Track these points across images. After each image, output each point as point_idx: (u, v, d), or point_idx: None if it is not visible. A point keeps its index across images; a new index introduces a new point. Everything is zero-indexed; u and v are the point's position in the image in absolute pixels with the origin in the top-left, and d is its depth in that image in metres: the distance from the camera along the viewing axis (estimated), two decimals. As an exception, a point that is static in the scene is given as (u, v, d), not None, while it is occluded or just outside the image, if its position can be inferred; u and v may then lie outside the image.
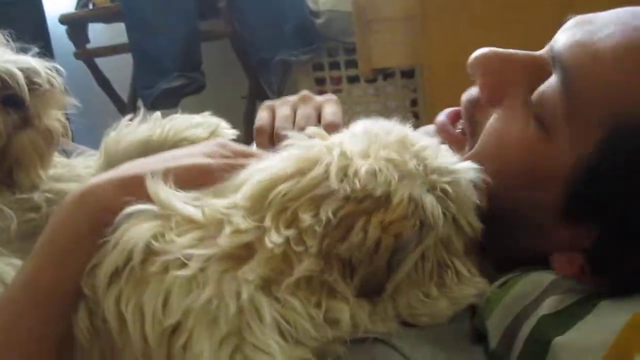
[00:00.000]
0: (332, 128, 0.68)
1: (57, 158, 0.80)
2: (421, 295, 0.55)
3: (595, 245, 0.59)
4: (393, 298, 0.54)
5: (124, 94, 2.63)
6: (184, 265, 0.51)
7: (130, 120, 0.79)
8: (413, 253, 0.54)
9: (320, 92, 2.62)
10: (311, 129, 0.60)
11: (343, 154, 0.54)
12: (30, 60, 0.72)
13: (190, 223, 0.54)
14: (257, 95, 2.45)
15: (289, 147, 0.58)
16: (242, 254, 0.51)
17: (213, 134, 0.80)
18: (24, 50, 0.74)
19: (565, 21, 0.64)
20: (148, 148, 0.77)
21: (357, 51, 1.89)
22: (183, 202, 0.55)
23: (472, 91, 0.68)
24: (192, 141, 0.76)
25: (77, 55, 2.48)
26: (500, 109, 0.64)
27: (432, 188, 0.55)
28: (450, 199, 0.56)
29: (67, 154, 0.85)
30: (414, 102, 2.34)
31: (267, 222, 0.52)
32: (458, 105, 0.71)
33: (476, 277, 0.58)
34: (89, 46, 2.52)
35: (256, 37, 2.33)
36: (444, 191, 0.56)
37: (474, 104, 0.68)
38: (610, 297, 0.57)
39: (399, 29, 1.84)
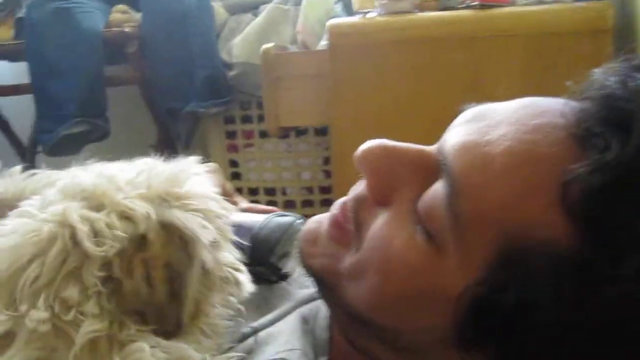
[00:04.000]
0: None
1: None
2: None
3: None
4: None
5: (25, 138, 2.50)
6: None
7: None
8: (190, 272, 0.51)
9: (231, 146, 2.56)
10: (17, 211, 0.54)
11: (83, 217, 0.51)
12: None
13: None
14: (166, 144, 2.36)
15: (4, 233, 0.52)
16: (3, 342, 0.46)
17: None
18: None
19: (460, 111, 0.57)
20: (1, 205, 0.71)
21: (264, 108, 1.83)
22: None
23: (359, 188, 0.61)
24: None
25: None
26: (388, 212, 0.56)
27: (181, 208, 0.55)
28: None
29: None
30: (326, 160, 2.31)
31: (23, 308, 0.47)
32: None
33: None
34: (-11, 85, 2.39)
35: (165, 86, 2.25)
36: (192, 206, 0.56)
37: (360, 202, 0.59)
38: None
39: (309, 87, 1.81)
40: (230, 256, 0.60)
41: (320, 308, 0.69)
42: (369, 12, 1.77)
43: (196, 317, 0.53)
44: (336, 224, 0.61)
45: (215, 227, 0.57)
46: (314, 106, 1.81)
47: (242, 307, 0.60)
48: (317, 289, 0.64)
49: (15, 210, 0.54)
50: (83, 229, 0.49)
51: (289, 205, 2.32)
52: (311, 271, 0.62)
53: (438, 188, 0.53)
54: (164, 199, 0.54)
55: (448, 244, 0.51)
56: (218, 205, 0.59)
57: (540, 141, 0.50)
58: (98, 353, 0.46)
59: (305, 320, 0.67)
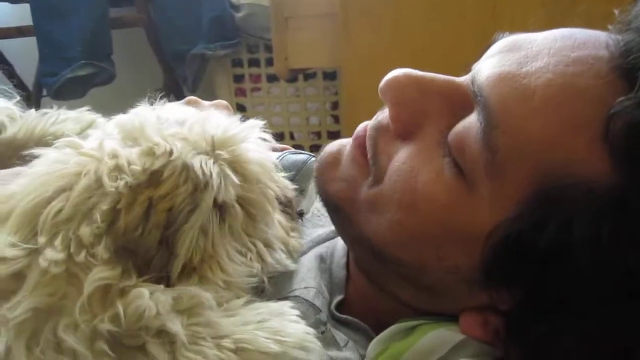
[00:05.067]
0: None
1: None
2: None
3: (515, 311, 0.50)
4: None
5: (30, 81, 2.46)
6: None
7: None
8: (187, 224, 0.48)
9: (239, 90, 2.52)
10: (63, 140, 0.51)
11: (111, 153, 0.48)
12: None
13: None
14: (172, 88, 2.33)
15: (35, 164, 0.50)
16: (9, 287, 0.43)
17: (86, 128, 0.74)
18: None
19: (493, 41, 0.54)
20: (13, 147, 0.70)
21: (273, 50, 1.79)
22: None
23: (380, 117, 0.58)
24: (58, 136, 0.68)
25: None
26: (412, 145, 0.54)
27: (214, 157, 0.51)
28: (236, 161, 0.52)
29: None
30: (335, 105, 2.28)
31: (41, 241, 0.44)
32: (378, 110, 0.61)
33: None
34: (-10, 27, 2.35)
35: (171, 28, 2.21)
36: (226, 159, 0.51)
37: (381, 132, 0.57)
38: None
39: (319, 28, 1.76)
40: (267, 231, 0.56)
41: (337, 246, 0.68)
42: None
43: (204, 273, 0.50)
44: (360, 146, 0.58)
45: (255, 192, 0.53)
46: (324, 47, 1.76)
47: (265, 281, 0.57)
48: (333, 219, 0.62)
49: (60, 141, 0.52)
50: (108, 163, 0.47)
51: (297, 151, 2.29)
52: (328, 197, 0.60)
53: (472, 120, 0.50)
54: (204, 148, 0.51)
55: (479, 179, 0.49)
56: (267, 175, 0.55)
57: (582, 74, 0.47)
58: (105, 303, 0.44)
59: (322, 259, 0.66)
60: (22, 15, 2.34)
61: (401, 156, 0.54)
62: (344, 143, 0.61)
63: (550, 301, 0.48)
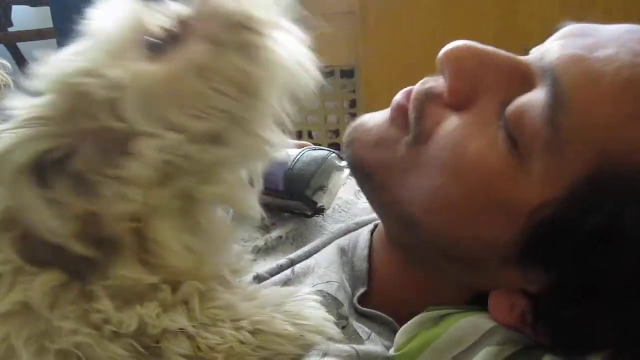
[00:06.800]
0: None
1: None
2: None
3: (547, 293, 0.50)
4: None
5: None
6: None
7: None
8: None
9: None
10: None
11: None
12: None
13: None
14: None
15: None
16: None
17: None
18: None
19: (558, 28, 0.55)
20: None
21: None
22: None
23: (433, 83, 0.58)
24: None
25: (-2, 39, 2.32)
26: (466, 114, 0.54)
27: None
28: None
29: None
30: (353, 103, 2.27)
31: None
32: None
33: None
34: (11, 29, 2.37)
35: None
36: None
37: (431, 98, 0.57)
38: (552, 352, 0.50)
39: (337, 26, 1.77)
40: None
41: (359, 239, 0.68)
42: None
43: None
44: (400, 108, 0.58)
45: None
46: (343, 46, 1.77)
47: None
48: (364, 187, 0.62)
49: None
50: None
51: (315, 149, 2.30)
52: (361, 165, 0.60)
53: (537, 97, 0.50)
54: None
55: (535, 154, 0.49)
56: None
57: None
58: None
59: (343, 252, 0.66)
60: (42, 18, 2.37)
61: (452, 123, 0.54)
62: (376, 114, 0.61)
63: (587, 285, 0.49)
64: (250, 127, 0.46)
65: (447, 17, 1.60)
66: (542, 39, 0.57)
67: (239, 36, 0.46)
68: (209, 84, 0.44)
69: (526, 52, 0.57)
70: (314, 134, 2.36)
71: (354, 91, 2.24)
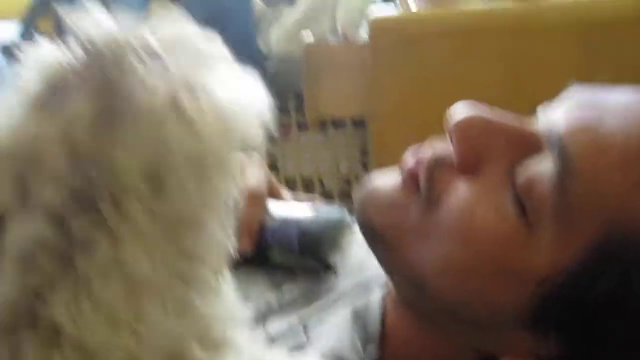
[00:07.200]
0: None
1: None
2: None
3: (561, 357, 0.51)
4: None
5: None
6: None
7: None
8: None
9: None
10: None
11: None
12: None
13: None
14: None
15: None
16: None
17: None
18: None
19: (566, 89, 0.56)
20: None
21: (304, 99, 1.83)
22: None
23: (440, 148, 0.58)
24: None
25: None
26: (474, 179, 0.54)
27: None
28: None
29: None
30: (364, 152, 2.29)
31: None
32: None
33: None
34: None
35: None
36: None
37: (441, 164, 0.57)
38: None
39: (349, 78, 1.79)
40: None
41: (370, 299, 0.68)
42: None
43: None
44: (412, 175, 0.58)
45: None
46: (354, 97, 1.79)
47: None
48: (375, 249, 0.62)
49: None
50: None
51: (326, 197, 2.30)
52: (372, 227, 0.60)
53: (545, 164, 0.51)
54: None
55: (543, 222, 0.50)
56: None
57: None
58: None
59: (355, 312, 0.66)
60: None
61: (461, 189, 0.54)
62: (386, 176, 0.61)
63: (597, 352, 0.49)
64: None
65: (456, 69, 1.62)
66: (549, 97, 0.58)
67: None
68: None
69: (533, 111, 0.58)
70: (325, 182, 2.37)
71: (365, 140, 2.25)
